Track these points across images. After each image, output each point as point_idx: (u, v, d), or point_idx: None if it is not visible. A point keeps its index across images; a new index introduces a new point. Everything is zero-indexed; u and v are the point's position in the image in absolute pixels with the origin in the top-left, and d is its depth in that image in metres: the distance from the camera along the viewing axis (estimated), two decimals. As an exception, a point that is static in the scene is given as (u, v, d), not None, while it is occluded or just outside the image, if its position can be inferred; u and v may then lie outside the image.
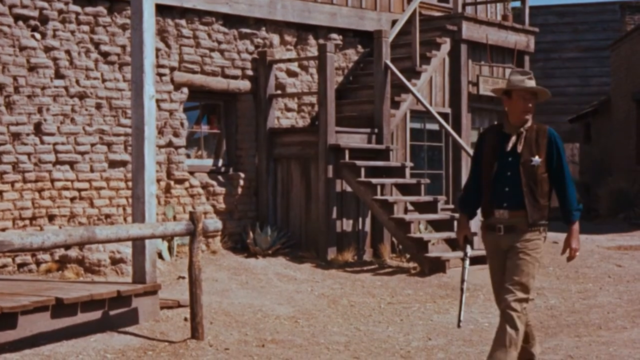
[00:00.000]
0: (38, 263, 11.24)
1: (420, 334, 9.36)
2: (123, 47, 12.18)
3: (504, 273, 6.70)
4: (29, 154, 11.24)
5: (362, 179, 13.08)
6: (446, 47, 15.42)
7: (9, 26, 11.08)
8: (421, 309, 10.73)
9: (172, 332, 8.84)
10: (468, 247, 7.01)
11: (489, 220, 6.80)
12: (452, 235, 13.31)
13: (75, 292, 8.59)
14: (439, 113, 14.69)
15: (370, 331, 9.49)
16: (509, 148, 6.69)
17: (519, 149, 6.67)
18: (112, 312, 8.73)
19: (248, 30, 13.87)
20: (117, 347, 8.21)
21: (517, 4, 18.25)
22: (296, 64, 14.56)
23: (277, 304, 10.61)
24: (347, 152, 13.27)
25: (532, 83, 6.76)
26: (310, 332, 9.38)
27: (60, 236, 7.26)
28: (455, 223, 13.85)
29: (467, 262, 6.96)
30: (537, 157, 6.64)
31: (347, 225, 13.69)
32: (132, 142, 9.33)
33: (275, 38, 14.30)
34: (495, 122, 7.25)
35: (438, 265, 12.64)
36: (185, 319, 9.18)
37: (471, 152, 14.23)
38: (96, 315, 8.61)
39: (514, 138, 6.72)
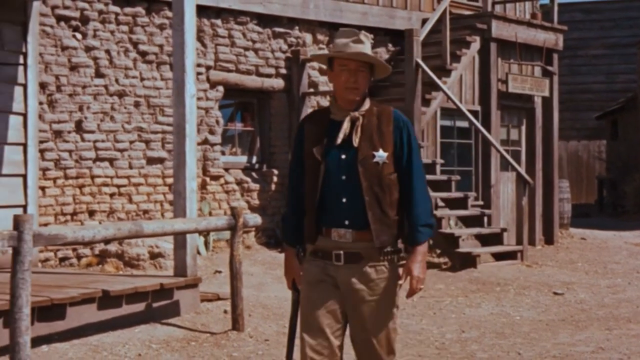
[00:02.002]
0: (79, 257, 11.54)
1: (454, 327, 9.60)
2: (161, 46, 12.46)
3: (325, 312, 4.80)
4: (70, 151, 11.53)
5: (394, 175, 13.30)
6: (476, 45, 15.63)
7: (52, 27, 11.38)
8: (453, 303, 10.97)
9: (212, 324, 9.11)
10: (296, 298, 4.98)
11: (319, 243, 4.84)
12: (483, 230, 13.56)
13: (120, 284, 8.88)
14: (469, 111, 14.90)
15: (404, 324, 9.73)
16: (340, 140, 4.78)
17: (355, 141, 4.77)
18: (155, 305, 9.02)
19: (281, 30, 14.12)
20: (161, 337, 8.49)
21: (546, 1, 18.44)
22: (328, 62, 14.77)
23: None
24: (378, 149, 13.48)
25: (359, 47, 4.77)
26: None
27: (110, 230, 7.55)
28: (485, 220, 14.11)
29: (296, 321, 4.96)
30: (381, 151, 4.76)
31: (378, 221, 13.90)
32: (173, 140, 9.61)
33: (308, 37, 14.55)
34: (326, 106, 5.07)
35: (469, 261, 12.88)
36: (225, 311, 9.45)
37: (502, 149, 14.48)
38: (140, 307, 8.90)
39: (346, 126, 4.78)
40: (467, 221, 14.02)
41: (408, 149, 4.81)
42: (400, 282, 4.82)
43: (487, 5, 16.20)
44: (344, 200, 4.76)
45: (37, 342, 7.68)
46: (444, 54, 14.99)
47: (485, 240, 13.93)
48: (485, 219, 14.23)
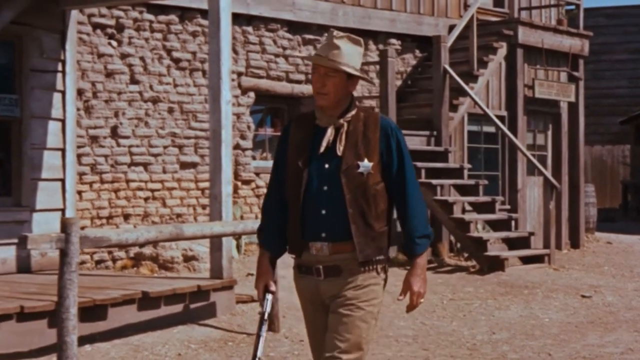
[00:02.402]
0: (114, 260, 11.78)
1: (484, 329, 9.78)
2: (193, 53, 12.70)
3: (321, 326, 4.66)
4: (106, 156, 11.79)
5: (423, 180, 13.50)
6: (502, 51, 15.79)
7: (88, 34, 11.63)
8: (482, 305, 11.14)
9: (248, 325, 9.32)
10: (268, 302, 4.68)
11: (302, 258, 4.63)
12: (510, 234, 13.73)
13: (158, 286, 9.12)
14: (496, 116, 15.06)
15: (435, 325, 9.92)
16: (322, 148, 4.54)
17: (339, 149, 4.53)
18: (192, 306, 9.24)
19: (311, 36, 14.34)
20: (199, 338, 8.71)
21: (571, 7, 18.57)
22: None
23: (344, 300, 11.05)
24: (407, 154, 13.67)
25: (332, 52, 4.53)
26: (378, 326, 9.81)
27: (152, 233, 7.78)
28: (513, 224, 14.27)
29: (265, 327, 4.66)
30: (366, 161, 4.50)
31: (407, 224, 14.08)
32: (209, 145, 9.84)
33: (337, 43, 14.73)
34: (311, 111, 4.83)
35: (497, 264, 13.04)
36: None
37: (529, 154, 14.64)
38: (178, 308, 9.13)
39: (330, 133, 4.55)
40: (495, 225, 14.18)
41: (398, 156, 4.56)
42: (400, 297, 4.64)
43: (513, 12, 16.37)
44: (323, 212, 4.51)
45: (80, 341, 7.88)
46: (471, 60, 15.17)
47: (512, 243, 14.08)
48: (513, 222, 14.38)
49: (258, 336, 4.62)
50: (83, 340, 8.08)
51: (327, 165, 4.52)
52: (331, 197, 4.50)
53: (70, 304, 6.97)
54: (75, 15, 10.98)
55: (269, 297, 4.69)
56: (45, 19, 10.53)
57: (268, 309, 4.68)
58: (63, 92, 10.82)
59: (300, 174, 4.54)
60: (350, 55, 4.53)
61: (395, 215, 4.60)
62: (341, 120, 4.55)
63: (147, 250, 11.68)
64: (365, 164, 4.48)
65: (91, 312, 8.26)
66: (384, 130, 4.55)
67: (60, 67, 10.80)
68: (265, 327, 4.67)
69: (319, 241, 4.53)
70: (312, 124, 4.63)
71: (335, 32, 4.59)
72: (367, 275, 4.53)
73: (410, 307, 4.66)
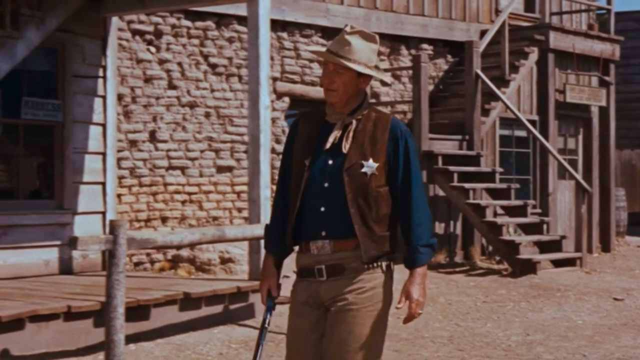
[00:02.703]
0: (152, 262, 12.01)
1: (518, 330, 9.91)
2: (230, 59, 12.92)
3: (314, 341, 4.38)
4: (144, 160, 12.01)
5: (455, 183, 13.65)
6: (534, 56, 15.92)
7: (127, 40, 11.87)
8: (516, 308, 11.27)
9: (286, 326, 9.49)
10: (270, 310, 4.54)
11: (301, 262, 4.44)
12: (542, 238, 13.85)
13: (199, 287, 9.33)
14: (527, 120, 15.18)
15: (470, 327, 10.06)
16: (328, 145, 4.38)
17: (345, 147, 4.36)
18: (231, 307, 9.45)
19: (344, 42, 14.50)
20: (239, 338, 8.91)
21: (602, 11, 18.66)
22: (389, 73, 15.18)
23: (379, 302, 11.22)
24: (440, 158, 13.85)
25: (342, 48, 4.34)
26: (413, 327, 9.97)
27: (195, 235, 7.99)
28: (545, 227, 14.39)
29: (265, 335, 4.51)
30: (371, 161, 4.33)
31: (439, 228, 14.26)
32: (248, 149, 10.05)
33: (370, 49, 14.92)
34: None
35: (529, 267, 13.16)
36: (298, 314, 9.83)
37: (560, 158, 14.75)
38: (218, 309, 9.34)
39: (337, 130, 4.40)
40: (526, 228, 14.31)
41: (405, 161, 4.38)
42: (398, 305, 4.34)
43: (545, 17, 16.48)
44: (322, 209, 4.34)
45: (125, 340, 8.08)
46: (503, 64, 15.31)
47: (544, 247, 14.20)
48: (545, 226, 14.50)
49: (258, 345, 4.45)
50: (128, 340, 8.26)
51: (330, 162, 4.36)
52: (331, 194, 4.33)
53: (118, 304, 7.17)
54: (115, 22, 11.22)
55: (271, 303, 4.52)
56: (87, 26, 10.76)
57: (269, 317, 4.50)
58: (104, 97, 11.05)
59: (302, 169, 4.39)
60: (362, 52, 4.34)
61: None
62: (350, 118, 4.40)
63: (185, 253, 11.90)
64: (370, 164, 4.32)
65: (135, 312, 8.46)
66: (393, 132, 4.38)
67: (101, 73, 11.04)
68: (265, 336, 4.48)
69: (319, 240, 4.34)
70: (321, 120, 4.48)
71: (349, 27, 4.41)
72: (371, 275, 4.34)
73: (409, 317, 4.37)
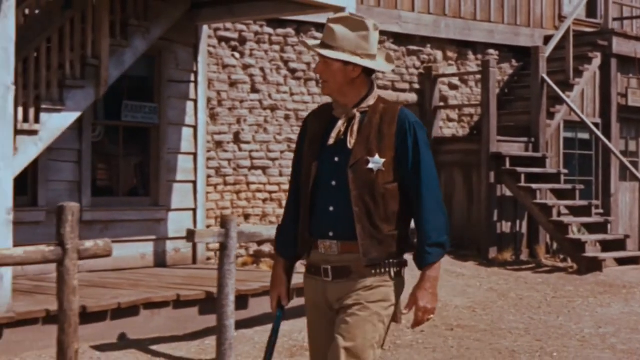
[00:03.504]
0: (236, 257, 12.65)
1: (590, 323, 10.45)
2: (308, 64, 13.55)
3: (328, 335, 4.25)
4: (229, 160, 12.68)
5: (523, 184, 14.19)
6: (597, 61, 16.41)
7: (214, 47, 12.55)
8: (584, 303, 11.79)
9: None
10: (279, 321, 4.47)
11: (311, 258, 4.30)
12: (607, 237, 14.36)
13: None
14: (591, 123, 15.67)
15: (543, 320, 10.61)
16: (332, 140, 4.20)
17: (350, 142, 4.16)
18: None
19: (415, 48, 15.13)
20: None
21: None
22: (457, 77, 15.76)
23: (453, 296, 11.81)
24: (507, 159, 14.39)
25: (327, 37, 4.21)
26: (489, 320, 10.56)
27: (296, 230, 8.62)
28: (609, 227, 14.88)
29: (273, 347, 4.41)
30: (377, 157, 4.13)
31: (505, 227, 14.81)
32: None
33: (439, 54, 15.53)
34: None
35: (595, 265, 13.66)
36: (381, 306, 10.44)
37: (625, 160, 15.24)
38: (301, 301, 9.93)
39: (341, 124, 4.21)
40: (591, 228, 14.81)
41: (414, 154, 4.15)
42: (404, 311, 4.25)
43: (608, 23, 16.94)
44: (331, 208, 4.18)
45: (228, 327, 8.78)
46: (568, 69, 15.81)
47: (607, 246, 14.69)
48: (609, 226, 14.99)
49: (267, 356, 4.36)
50: (229, 327, 8.96)
51: (337, 159, 4.17)
52: (339, 193, 4.15)
53: (229, 292, 7.83)
54: (205, 30, 11.89)
55: (280, 313, 4.40)
56: (181, 34, 11.45)
57: (278, 327, 4.38)
58: (195, 101, 11.74)
59: (310, 168, 4.23)
60: (346, 40, 4.17)
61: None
62: (354, 111, 4.19)
63: (266, 248, 12.54)
64: (376, 160, 4.11)
65: (236, 301, 9.10)
66: (400, 124, 4.15)
67: (192, 78, 11.72)
68: (273, 347, 4.36)
69: (327, 239, 4.19)
70: (328, 115, 4.30)
71: (334, 16, 4.28)
72: (377, 279, 4.17)
73: (415, 324, 4.23)
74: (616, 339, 9.61)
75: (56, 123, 9.05)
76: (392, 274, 4.19)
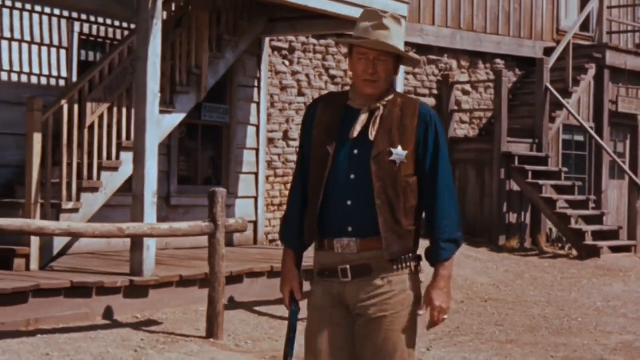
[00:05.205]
0: (270, 241, 14.48)
1: (599, 298, 12.38)
2: (345, 71, 15.37)
3: (336, 342, 4.10)
4: (279, 155, 14.46)
5: (530, 180, 16.12)
6: (592, 72, 18.38)
7: (268, 55, 14.32)
8: (590, 283, 13.73)
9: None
10: (294, 316, 4.25)
11: (323, 260, 4.14)
12: (603, 228, 16.34)
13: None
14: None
15: (559, 296, 12.52)
16: (355, 133, 4.08)
17: (372, 134, 4.06)
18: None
19: (434, 57, 17.00)
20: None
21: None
22: (469, 84, 17.66)
23: (477, 275, 13.69)
24: (516, 158, 16.31)
25: (381, 34, 4.05)
26: (514, 294, 12.45)
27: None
28: (605, 219, 16.86)
29: (294, 342, 4.28)
30: (400, 149, 4.04)
31: (512, 218, 16.72)
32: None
33: (454, 63, 17.42)
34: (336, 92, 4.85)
35: (593, 252, 15.63)
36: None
37: (619, 160, 17.25)
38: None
39: (363, 117, 4.10)
40: (588, 219, 16.77)
41: (434, 149, 4.09)
42: (420, 312, 4.12)
43: (602, 37, 18.91)
44: (349, 203, 4.02)
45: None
46: (567, 79, 17.76)
47: (602, 236, 16.65)
48: (605, 218, 16.96)
49: (286, 356, 4.26)
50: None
51: (356, 151, 4.05)
52: (359, 186, 4.01)
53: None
54: (267, 42, 13.67)
55: (295, 308, 4.22)
56: (250, 45, 13.21)
57: (295, 323, 4.23)
58: (258, 103, 13.51)
59: (325, 159, 4.06)
60: (399, 36, 4.10)
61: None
62: (377, 105, 4.09)
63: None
64: (399, 152, 4.02)
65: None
66: (422, 117, 4.09)
67: (256, 83, 13.49)
68: (293, 345, 4.24)
69: (345, 237, 4.02)
70: (342, 104, 4.16)
71: (380, 12, 4.15)
72: (400, 277, 4.05)
73: (432, 324, 4.14)
74: (625, 309, 11.54)
75: (168, 122, 10.82)
76: (413, 268, 4.10)
